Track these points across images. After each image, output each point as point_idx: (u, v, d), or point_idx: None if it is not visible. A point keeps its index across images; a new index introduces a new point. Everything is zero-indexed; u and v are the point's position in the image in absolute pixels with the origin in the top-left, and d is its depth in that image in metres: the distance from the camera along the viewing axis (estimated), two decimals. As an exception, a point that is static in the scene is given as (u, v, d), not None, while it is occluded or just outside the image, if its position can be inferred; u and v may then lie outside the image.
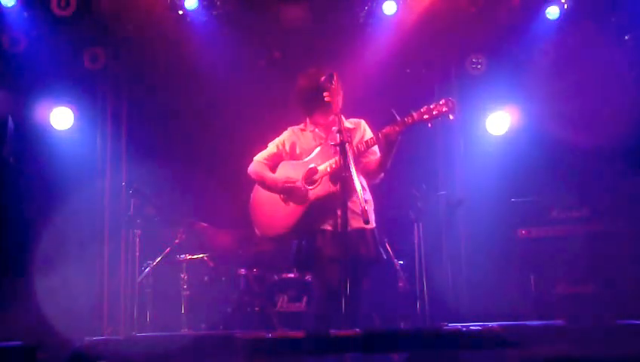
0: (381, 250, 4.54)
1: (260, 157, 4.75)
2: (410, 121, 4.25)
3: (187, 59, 7.06)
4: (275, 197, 4.58)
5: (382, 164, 4.46)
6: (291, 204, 4.52)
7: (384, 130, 4.30)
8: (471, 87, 7.11)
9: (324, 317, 4.38)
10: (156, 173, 6.64)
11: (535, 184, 6.58)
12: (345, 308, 3.92)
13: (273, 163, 4.71)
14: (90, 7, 6.64)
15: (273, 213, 4.58)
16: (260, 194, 4.69)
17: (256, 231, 4.72)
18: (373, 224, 4.47)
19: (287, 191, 4.52)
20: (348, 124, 4.58)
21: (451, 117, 4.23)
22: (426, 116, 4.23)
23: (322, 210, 4.42)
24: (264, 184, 4.65)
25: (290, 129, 4.78)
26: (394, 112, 4.25)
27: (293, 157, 4.67)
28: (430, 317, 5.76)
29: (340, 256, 4.14)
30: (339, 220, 4.25)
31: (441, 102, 4.23)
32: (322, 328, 4.27)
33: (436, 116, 4.22)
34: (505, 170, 6.78)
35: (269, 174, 4.65)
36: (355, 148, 4.37)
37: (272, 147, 4.76)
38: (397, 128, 4.24)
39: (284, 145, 4.72)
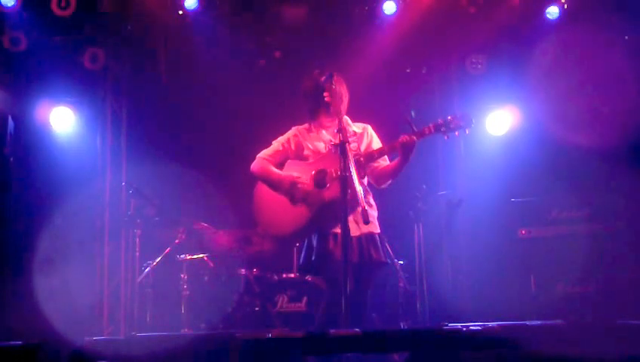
0: (386, 253, 4.57)
1: (264, 154, 4.72)
2: (427, 132, 4.36)
3: (187, 59, 7.07)
4: (284, 195, 4.55)
5: (396, 170, 4.51)
6: (300, 205, 4.49)
7: (401, 140, 4.36)
8: (471, 87, 7.11)
9: (334, 319, 4.37)
10: (156, 173, 6.64)
11: (535, 184, 6.57)
12: (351, 310, 3.95)
13: (277, 161, 4.68)
14: (90, 7, 6.64)
15: (280, 212, 4.56)
16: (264, 191, 4.66)
17: (260, 228, 4.72)
18: (377, 229, 4.51)
19: (296, 192, 4.50)
20: (355, 128, 4.62)
21: (467, 131, 4.36)
22: (443, 128, 4.35)
23: (333, 214, 4.40)
24: (269, 182, 4.62)
25: (295, 128, 4.76)
26: (410, 121, 4.31)
27: (299, 157, 4.65)
28: (430, 317, 5.76)
29: (349, 259, 4.19)
30: (350, 224, 4.31)
31: (457, 116, 4.35)
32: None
33: (453, 129, 4.34)
34: (505, 170, 6.78)
35: (275, 172, 4.62)
36: (363, 155, 4.42)
37: (276, 145, 4.73)
38: (414, 138, 4.33)
39: (289, 143, 4.69)
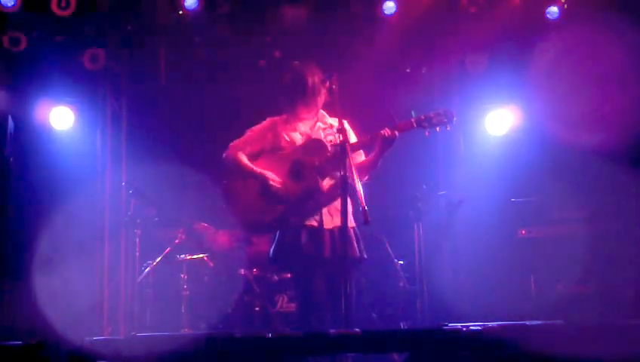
0: (363, 248, 4.52)
1: (236, 143, 4.69)
2: (409, 127, 4.38)
3: (187, 59, 7.07)
4: (254, 186, 4.53)
5: (372, 165, 4.50)
6: (272, 197, 4.48)
7: (383, 132, 4.35)
8: (471, 87, 7.11)
9: (308, 316, 4.36)
10: (156, 173, 6.64)
11: (535, 184, 6.57)
12: (333, 307, 3.95)
13: (250, 150, 4.64)
14: (90, 7, 6.64)
15: (251, 202, 4.53)
16: (237, 181, 4.63)
17: (233, 218, 4.69)
18: (353, 223, 4.47)
19: (268, 185, 4.48)
20: (332, 121, 4.61)
21: (449, 128, 4.40)
22: (425, 124, 4.38)
23: (306, 205, 4.42)
24: (240, 172, 4.59)
25: (270, 119, 4.73)
26: (392, 115, 4.33)
27: (276, 148, 4.62)
28: (430, 317, 5.75)
29: (323, 255, 4.26)
30: (324, 217, 4.33)
31: (440, 112, 4.38)
32: (307, 326, 4.28)
33: (434, 125, 4.38)
34: (505, 170, 6.78)
35: (246, 163, 4.59)
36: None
37: (250, 134, 4.71)
38: (396, 133, 4.34)
39: (264, 134, 4.66)
